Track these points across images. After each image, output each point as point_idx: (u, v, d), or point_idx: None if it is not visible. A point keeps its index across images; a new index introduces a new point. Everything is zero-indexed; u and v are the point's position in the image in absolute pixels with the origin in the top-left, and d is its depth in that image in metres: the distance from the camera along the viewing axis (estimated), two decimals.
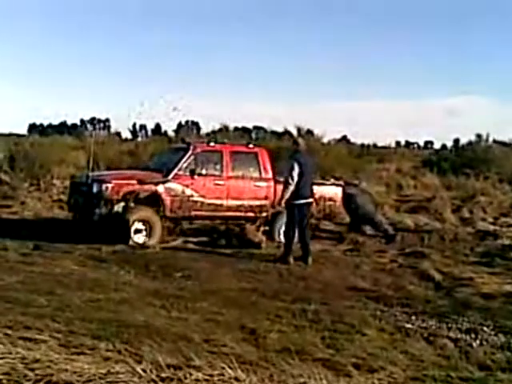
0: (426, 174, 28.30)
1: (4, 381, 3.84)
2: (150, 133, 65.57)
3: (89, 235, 12.34)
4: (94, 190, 12.63)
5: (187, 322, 6.95)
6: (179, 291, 8.62)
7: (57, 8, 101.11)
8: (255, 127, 51.44)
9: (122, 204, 12.52)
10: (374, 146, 45.50)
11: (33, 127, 62.67)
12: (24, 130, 58.41)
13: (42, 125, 64.63)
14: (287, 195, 11.26)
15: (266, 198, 13.80)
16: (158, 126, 64.56)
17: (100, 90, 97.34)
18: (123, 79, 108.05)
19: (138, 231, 12.53)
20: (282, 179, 12.29)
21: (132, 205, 12.55)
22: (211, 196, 13.32)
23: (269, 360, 5.43)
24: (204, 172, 13.28)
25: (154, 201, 12.82)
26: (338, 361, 5.67)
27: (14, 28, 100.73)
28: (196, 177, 13.11)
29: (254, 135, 42.43)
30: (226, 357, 5.05)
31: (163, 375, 4.00)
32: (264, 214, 13.63)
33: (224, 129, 33.77)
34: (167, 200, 12.91)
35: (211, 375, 4.05)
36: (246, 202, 13.67)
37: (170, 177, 13.00)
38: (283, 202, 11.41)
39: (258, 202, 13.74)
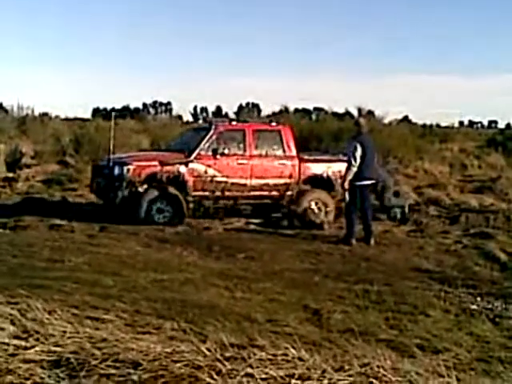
0: (490, 154, 27.80)
1: (72, 359, 3.92)
2: (210, 115, 66.04)
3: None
4: (116, 172, 12.70)
5: (250, 302, 7.01)
6: (242, 272, 8.69)
7: None
8: (315, 108, 51.15)
9: (145, 186, 12.56)
10: (437, 125, 44.88)
11: (96, 111, 63.58)
12: (88, 115, 59.26)
13: (105, 109, 65.46)
14: (350, 177, 11.16)
15: (290, 176, 13.68)
16: (218, 109, 65.04)
17: (162, 74, 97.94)
18: (184, 62, 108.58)
19: (160, 211, 12.59)
20: (344, 159, 12.23)
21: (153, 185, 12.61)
22: (235, 175, 13.27)
23: (332, 340, 5.44)
24: (227, 151, 13.17)
25: (177, 181, 12.80)
26: (402, 342, 5.64)
27: (79, 14, 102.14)
28: (219, 156, 13.05)
29: (314, 116, 42.18)
30: (290, 337, 5.08)
31: (227, 354, 4.03)
32: (289, 193, 13.61)
33: (284, 110, 33.69)
34: (190, 180, 12.90)
35: (275, 355, 4.06)
36: (270, 181, 13.55)
37: (193, 157, 12.98)
38: (346, 184, 11.30)
39: (282, 181, 13.62)
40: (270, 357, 4.01)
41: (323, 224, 12.55)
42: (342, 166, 13.51)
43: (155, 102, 73.77)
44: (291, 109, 35.17)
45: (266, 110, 44.47)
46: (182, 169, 12.84)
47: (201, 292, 7.34)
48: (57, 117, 35.53)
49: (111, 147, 13.16)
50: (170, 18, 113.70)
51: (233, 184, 13.21)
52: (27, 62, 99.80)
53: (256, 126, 14.22)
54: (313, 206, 13.64)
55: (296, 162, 13.76)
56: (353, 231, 11.15)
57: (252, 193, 13.44)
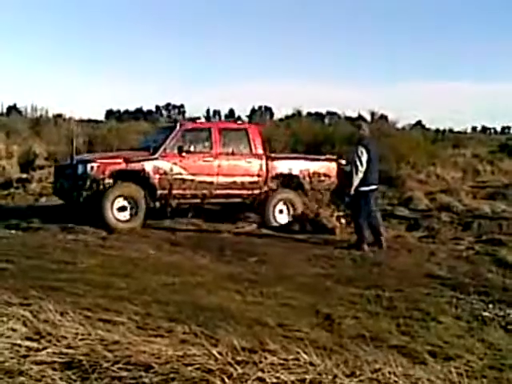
0: (503, 160, 27.69)
1: (84, 361, 3.94)
2: (223, 118, 66.16)
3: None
4: (79, 171, 12.48)
5: (262, 306, 7.00)
6: (254, 276, 8.69)
7: None
8: (328, 112, 51.19)
9: (109, 183, 12.40)
10: (450, 130, 44.78)
11: (110, 113, 63.79)
12: (102, 117, 59.49)
13: (118, 111, 65.75)
14: (356, 182, 11.07)
15: (258, 174, 13.64)
16: (231, 111, 65.15)
17: (175, 76, 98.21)
18: (197, 65, 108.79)
19: (122, 209, 12.44)
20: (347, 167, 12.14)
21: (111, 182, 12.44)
22: (201, 173, 13.15)
23: (343, 346, 5.43)
24: (192, 149, 13.11)
25: (142, 179, 12.66)
26: (414, 348, 5.61)
27: (89, 17, 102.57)
28: (184, 154, 12.96)
29: (327, 120, 42.21)
30: (301, 341, 5.06)
31: (239, 358, 4.03)
32: (257, 192, 13.59)
33: (297, 114, 33.71)
34: (155, 178, 12.74)
35: (286, 359, 4.06)
36: (237, 179, 13.48)
37: (158, 154, 12.85)
38: (353, 190, 11.24)
39: (249, 179, 13.57)
40: (281, 361, 4.02)
41: (335, 229, 12.51)
42: (312, 165, 14.05)
43: (168, 105, 74.01)
44: (304, 112, 35.14)
45: (278, 114, 44.53)
46: (147, 166, 12.73)
47: (212, 295, 7.34)
48: (70, 118, 35.66)
49: (74, 148, 13.24)
50: (184, 20, 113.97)
51: (199, 182, 13.10)
52: (42, 64, 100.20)
53: (222, 124, 14.48)
54: (281, 205, 13.65)
55: (263, 160, 13.74)
56: (363, 236, 11.11)
57: (219, 191, 13.34)
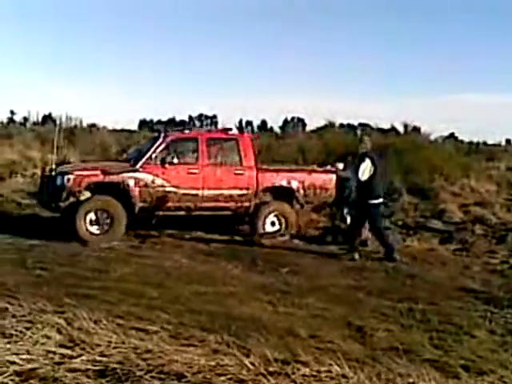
0: None
1: (117, 369, 3.97)
2: (256, 129, 66.21)
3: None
4: (58, 182, 12.15)
5: (294, 317, 7.00)
6: (286, 286, 8.68)
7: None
8: (360, 124, 51.01)
9: (86, 196, 12.10)
10: (484, 143, 44.32)
11: (143, 123, 64.18)
12: (135, 126, 59.89)
13: (151, 120, 66.06)
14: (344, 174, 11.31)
15: (247, 187, 13.10)
16: (263, 122, 65.20)
17: (208, 87, 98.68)
18: (230, 76, 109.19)
19: (96, 222, 12.00)
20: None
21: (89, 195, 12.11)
22: (185, 186, 12.67)
23: (376, 358, 5.40)
24: (176, 161, 12.55)
25: (121, 191, 12.23)
26: (447, 362, 5.57)
27: (125, 26, 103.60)
28: (167, 166, 12.48)
29: (359, 132, 42.07)
30: (333, 353, 5.05)
31: (271, 369, 4.03)
32: (246, 204, 13.13)
33: (329, 125, 33.60)
34: (135, 190, 12.30)
35: (318, 371, 4.06)
36: (225, 192, 12.94)
37: (138, 166, 12.42)
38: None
39: (238, 192, 13.02)
40: (313, 373, 4.02)
41: (367, 240, 12.43)
42: (307, 177, 13.54)
43: (201, 115, 74.12)
44: (336, 124, 35.01)
45: (310, 125, 44.48)
46: (127, 179, 12.31)
47: (244, 305, 7.36)
48: (104, 128, 35.99)
49: (54, 157, 13.04)
50: (218, 31, 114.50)
51: (183, 194, 12.66)
52: (76, 74, 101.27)
53: (210, 134, 13.74)
54: (272, 218, 13.19)
55: (254, 172, 13.20)
56: (390, 245, 11.07)
57: (205, 204, 12.86)
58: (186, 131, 13.74)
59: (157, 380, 3.82)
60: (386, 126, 36.98)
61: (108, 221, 12.01)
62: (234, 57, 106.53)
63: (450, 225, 15.07)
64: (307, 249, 12.08)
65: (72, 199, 12.02)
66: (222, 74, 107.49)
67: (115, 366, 4.02)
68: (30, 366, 3.98)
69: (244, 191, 13.09)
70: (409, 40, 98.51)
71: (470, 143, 41.11)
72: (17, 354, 4.11)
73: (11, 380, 3.81)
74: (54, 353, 4.22)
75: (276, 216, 13.24)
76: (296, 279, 9.28)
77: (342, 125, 39.29)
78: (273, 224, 13.23)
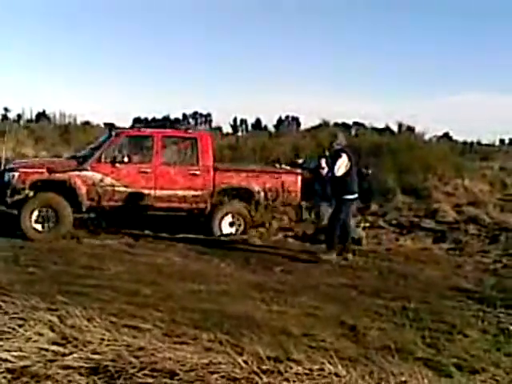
0: None
1: (110, 367, 3.96)
2: (250, 127, 66.25)
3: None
4: (5, 178, 12.13)
5: (287, 315, 7.00)
6: (279, 285, 8.68)
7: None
8: (355, 123, 51.02)
9: (31, 193, 12.00)
10: (478, 143, 44.39)
11: (137, 121, 64.17)
12: (128, 124, 59.93)
13: (146, 119, 66.04)
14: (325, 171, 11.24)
15: (203, 188, 12.85)
16: (258, 121, 65.22)
17: (202, 85, 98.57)
18: (225, 75, 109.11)
19: (42, 219, 11.87)
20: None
21: (31, 193, 12.00)
22: (136, 185, 12.49)
23: (368, 357, 5.40)
24: (126, 159, 12.42)
25: (67, 189, 12.10)
26: (439, 361, 5.58)
27: (114, 23, 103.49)
28: (118, 165, 12.36)
29: (353, 131, 42.08)
30: (326, 352, 5.06)
31: (264, 367, 4.03)
32: (202, 205, 12.89)
33: (324, 124, 33.61)
34: (82, 189, 12.19)
35: (311, 370, 4.06)
36: (179, 192, 12.70)
37: (86, 165, 12.30)
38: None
39: (193, 192, 12.77)
40: (306, 371, 4.02)
41: (361, 239, 12.44)
42: (268, 179, 13.24)
43: (195, 113, 74.11)
44: (331, 123, 35.03)
45: (305, 124, 44.48)
46: (73, 177, 12.16)
47: (237, 304, 7.36)
48: (98, 125, 35.92)
49: (3, 154, 12.97)
50: (211, 31, 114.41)
51: (134, 194, 12.49)
52: (70, 71, 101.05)
53: (167, 132, 13.44)
54: (228, 218, 12.93)
55: (210, 172, 12.94)
56: (334, 243, 10.82)
57: (158, 204, 12.64)
58: (141, 129, 13.65)
59: (149, 377, 3.82)
60: (381, 126, 37.05)
61: (54, 219, 11.89)
62: (228, 55, 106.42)
63: (444, 224, 15.10)
64: (301, 247, 12.06)
65: (18, 196, 11.94)
66: (217, 73, 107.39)
67: (108, 363, 4.02)
68: (22, 363, 3.98)
69: (199, 192, 12.86)
70: (403, 40, 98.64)
71: (464, 143, 41.18)
72: (9, 351, 4.10)
73: (3, 377, 3.81)
74: (47, 350, 4.21)
75: (234, 217, 12.98)
76: (289, 278, 9.28)
77: (336, 124, 39.31)
78: (231, 225, 12.96)
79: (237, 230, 12.94)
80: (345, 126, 45.50)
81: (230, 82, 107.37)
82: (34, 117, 43.12)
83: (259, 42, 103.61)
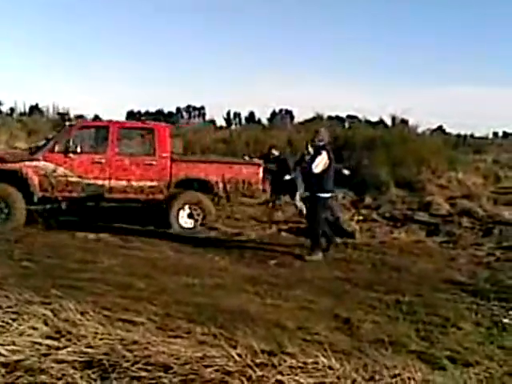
0: None
1: (104, 361, 3.97)
2: (243, 121, 66.23)
3: None
4: None
5: (281, 309, 7.00)
6: (273, 278, 8.69)
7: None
8: (349, 116, 51.03)
9: None
10: (471, 136, 44.51)
11: (131, 114, 64.06)
12: (122, 118, 59.76)
13: (139, 112, 65.92)
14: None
15: (159, 178, 12.79)
16: (251, 114, 65.22)
17: (196, 78, 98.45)
18: (219, 68, 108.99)
19: None
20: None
21: None
22: (90, 176, 12.40)
23: (362, 350, 5.41)
24: (79, 150, 12.31)
25: (19, 180, 12.01)
26: (433, 354, 5.59)
27: (109, 17, 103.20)
28: (72, 155, 12.26)
29: (347, 124, 42.09)
30: (320, 345, 5.07)
31: (258, 361, 4.04)
32: (159, 196, 12.83)
33: (318, 117, 33.63)
34: (34, 179, 12.08)
35: (305, 363, 4.07)
36: (134, 183, 12.63)
37: (39, 155, 12.25)
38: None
39: (149, 183, 12.70)
40: (300, 364, 4.03)
41: (355, 233, 12.47)
42: (227, 170, 13.09)
43: (189, 107, 74.08)
44: (325, 116, 35.06)
45: (299, 117, 44.46)
46: (26, 167, 12.07)
47: (231, 297, 7.36)
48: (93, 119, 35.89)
49: None
50: (204, 23, 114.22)
51: (88, 185, 12.40)
52: (63, 64, 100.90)
53: (123, 123, 13.44)
54: (186, 209, 12.82)
55: (167, 163, 12.84)
56: (319, 242, 10.60)
57: (113, 195, 12.61)
58: (97, 120, 13.53)
59: (143, 371, 3.82)
60: (374, 119, 37.07)
61: (6, 210, 11.87)
62: (222, 48, 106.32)
63: (437, 217, 15.14)
64: (295, 241, 12.06)
65: None
66: (211, 66, 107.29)
67: (102, 357, 4.02)
68: (15, 357, 3.98)
69: (155, 183, 12.78)
70: (397, 32, 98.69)
71: (458, 136, 41.28)
72: (2, 345, 4.11)
73: None
74: (41, 344, 4.21)
75: (192, 208, 12.86)
76: (283, 271, 9.29)
77: (330, 117, 39.35)
78: (190, 216, 12.85)
79: (196, 221, 12.81)
80: (338, 119, 45.55)
81: (224, 76, 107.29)
82: (27, 110, 43.06)
83: (253, 35, 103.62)
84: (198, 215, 12.82)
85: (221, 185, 12.90)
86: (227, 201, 13.25)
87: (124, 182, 12.58)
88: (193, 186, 12.99)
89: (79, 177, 12.34)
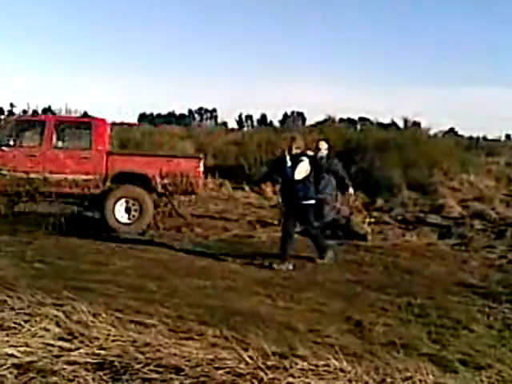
0: None
1: (116, 363, 3.98)
2: (255, 123, 66.33)
3: None
4: None
5: (292, 311, 7.00)
6: (284, 281, 8.69)
7: None
8: (360, 118, 51.02)
9: None
10: (484, 138, 44.37)
11: (143, 117, 64.28)
12: (135, 120, 59.95)
13: (151, 114, 66.14)
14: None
15: (95, 172, 12.55)
16: (263, 117, 65.29)
17: (208, 81, 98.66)
18: (231, 71, 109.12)
19: None
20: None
21: None
22: (24, 169, 12.28)
23: (374, 353, 5.41)
24: (12, 143, 12.40)
25: None
26: (445, 356, 5.57)
27: (121, 18, 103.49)
28: (5, 148, 12.31)
29: (359, 126, 42.06)
30: (331, 348, 5.06)
31: (269, 363, 4.04)
32: (95, 190, 12.54)
33: (329, 119, 33.60)
34: None
35: (316, 365, 4.07)
36: (69, 177, 12.42)
37: None
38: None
39: (84, 177, 12.48)
40: (311, 367, 4.02)
41: (367, 235, 12.44)
42: (165, 164, 12.76)
43: (201, 109, 74.32)
44: (336, 118, 35.03)
45: (310, 119, 44.50)
46: None
47: (243, 299, 7.36)
48: None
49: None
50: (219, 26, 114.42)
51: (20, 179, 12.24)
52: (76, 67, 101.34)
53: (59, 118, 13.50)
54: (122, 203, 12.47)
55: (103, 157, 12.65)
56: (326, 245, 10.53)
57: (48, 189, 12.31)
58: (35, 114, 13.55)
59: (155, 373, 3.83)
60: (386, 121, 37.01)
61: None
62: (235, 51, 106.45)
63: (449, 220, 15.10)
64: (306, 243, 12.02)
65: None
66: (223, 69, 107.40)
67: (113, 359, 4.03)
68: (28, 358, 3.99)
69: (90, 176, 12.56)
70: (410, 34, 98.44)
71: (470, 138, 41.15)
72: (15, 347, 4.12)
73: (9, 372, 3.82)
74: (53, 345, 4.23)
75: (129, 202, 12.54)
76: (295, 273, 9.28)
77: (342, 119, 39.33)
78: (127, 211, 12.53)
79: (134, 217, 12.51)
80: (350, 122, 45.52)
81: (236, 78, 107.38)
82: (40, 112, 43.21)
83: (267, 39, 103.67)
84: (136, 210, 12.50)
85: (158, 179, 12.60)
86: (170, 196, 12.94)
87: (58, 176, 12.44)
88: (133, 181, 12.68)
89: (13, 170, 12.30)
